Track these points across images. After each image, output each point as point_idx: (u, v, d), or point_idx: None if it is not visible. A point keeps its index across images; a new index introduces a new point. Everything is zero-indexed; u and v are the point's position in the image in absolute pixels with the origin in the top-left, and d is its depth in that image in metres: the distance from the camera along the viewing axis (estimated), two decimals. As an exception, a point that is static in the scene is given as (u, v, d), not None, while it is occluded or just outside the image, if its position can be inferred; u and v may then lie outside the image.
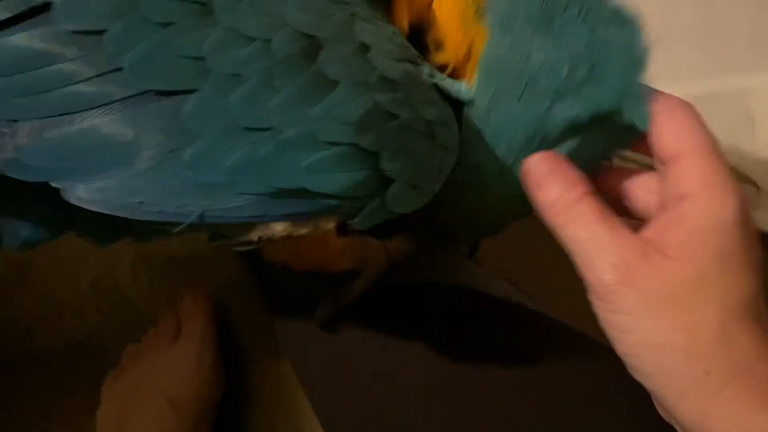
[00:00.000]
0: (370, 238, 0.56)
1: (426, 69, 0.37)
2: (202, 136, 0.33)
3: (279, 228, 0.37)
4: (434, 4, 0.39)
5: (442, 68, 0.39)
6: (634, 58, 0.36)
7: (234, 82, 0.33)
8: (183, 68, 0.33)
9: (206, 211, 0.34)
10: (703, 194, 0.31)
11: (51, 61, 0.33)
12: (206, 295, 0.73)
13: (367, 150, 0.34)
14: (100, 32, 0.33)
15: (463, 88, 0.38)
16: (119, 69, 0.32)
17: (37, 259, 0.79)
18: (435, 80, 0.37)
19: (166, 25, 0.33)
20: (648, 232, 0.32)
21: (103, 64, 0.33)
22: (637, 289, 0.31)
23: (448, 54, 0.39)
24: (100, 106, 0.33)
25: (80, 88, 0.33)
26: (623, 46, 0.36)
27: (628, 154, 0.39)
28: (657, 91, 0.35)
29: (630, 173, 0.37)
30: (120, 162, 0.33)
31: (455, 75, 0.39)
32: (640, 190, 0.36)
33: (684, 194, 0.31)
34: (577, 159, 0.37)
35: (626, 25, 0.36)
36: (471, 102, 0.38)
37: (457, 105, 0.39)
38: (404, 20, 0.39)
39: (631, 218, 0.36)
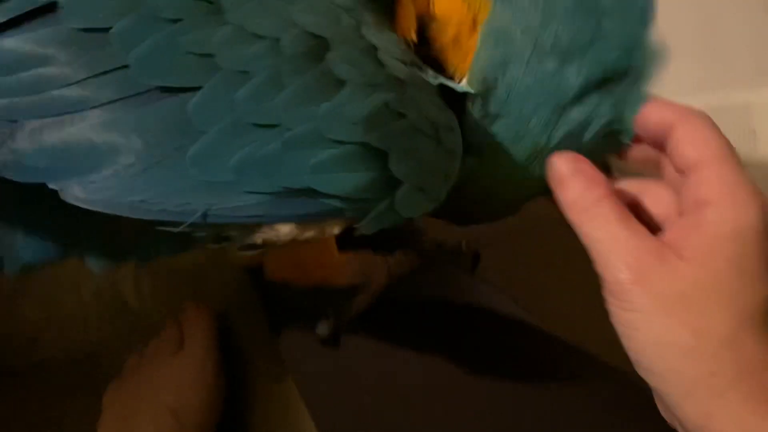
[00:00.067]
0: (371, 253, 0.56)
1: (430, 72, 0.38)
2: (207, 132, 0.32)
3: (284, 230, 0.36)
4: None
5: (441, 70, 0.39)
6: (638, 12, 0.37)
7: (241, 78, 0.33)
8: (190, 65, 0.33)
9: (210, 210, 0.33)
10: (725, 201, 0.31)
11: (52, 60, 0.33)
12: (209, 306, 0.73)
13: (375, 150, 0.34)
14: (106, 30, 0.32)
15: (466, 85, 0.38)
16: (124, 66, 0.32)
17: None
18: (439, 80, 0.37)
19: (174, 21, 0.33)
20: (665, 236, 0.33)
21: (106, 61, 0.32)
22: (651, 288, 0.31)
23: (452, 29, 0.39)
24: (102, 104, 0.32)
25: (81, 86, 0.32)
26: (625, 2, 0.37)
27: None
28: (673, 102, 0.36)
29: (639, 185, 0.37)
30: (121, 160, 0.32)
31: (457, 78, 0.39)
32: (651, 200, 0.36)
33: (705, 200, 0.32)
34: (587, 133, 0.37)
35: None
36: (475, 95, 0.38)
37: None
38: (411, 29, 0.40)
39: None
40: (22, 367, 0.77)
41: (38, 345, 0.77)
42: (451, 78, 0.39)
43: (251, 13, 0.33)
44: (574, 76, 0.36)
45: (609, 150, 0.39)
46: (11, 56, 0.33)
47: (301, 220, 0.36)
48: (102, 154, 0.32)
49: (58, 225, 0.40)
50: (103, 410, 0.69)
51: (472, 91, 0.38)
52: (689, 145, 0.33)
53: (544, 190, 0.38)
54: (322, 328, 0.54)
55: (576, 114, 0.37)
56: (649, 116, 0.35)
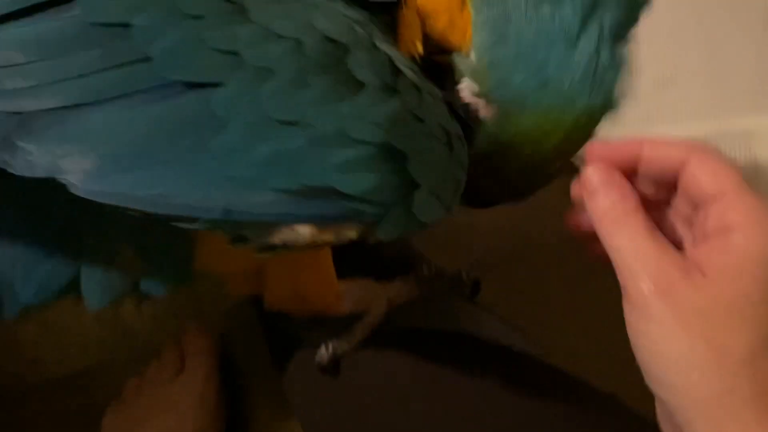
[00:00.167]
0: (370, 281, 0.56)
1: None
2: (231, 126, 0.33)
3: (303, 231, 0.36)
4: None
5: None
6: None
7: (266, 74, 0.33)
8: (214, 61, 0.33)
9: (231, 206, 0.33)
10: (752, 226, 0.32)
11: (68, 51, 0.32)
12: (209, 329, 0.73)
13: (396, 151, 0.34)
14: (125, 24, 0.33)
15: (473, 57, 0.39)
16: (146, 60, 0.32)
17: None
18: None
19: (199, 17, 0.33)
20: (693, 256, 0.33)
21: (127, 54, 0.33)
22: (674, 302, 0.32)
23: (444, 15, 0.40)
24: (121, 97, 0.32)
25: (100, 78, 0.32)
26: None
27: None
28: (680, 140, 0.36)
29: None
30: (141, 153, 0.32)
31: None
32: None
33: (731, 225, 0.33)
34: (603, 56, 0.38)
35: None
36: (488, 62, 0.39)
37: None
38: (417, 41, 0.41)
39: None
40: (22, 389, 0.77)
41: (38, 366, 0.77)
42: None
43: (273, 14, 0.34)
44: (571, 13, 0.37)
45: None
46: (24, 45, 0.32)
47: (321, 221, 0.36)
48: (120, 147, 0.32)
49: (57, 260, 0.41)
50: (102, 431, 0.69)
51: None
52: (707, 176, 0.34)
53: (572, 145, 0.39)
54: (322, 357, 0.54)
55: (585, 44, 0.38)
56: (658, 156, 0.36)
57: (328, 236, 0.37)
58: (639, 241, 0.33)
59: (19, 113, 0.32)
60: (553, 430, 0.47)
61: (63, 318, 0.77)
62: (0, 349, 0.77)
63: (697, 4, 0.84)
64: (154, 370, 0.72)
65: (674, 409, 0.33)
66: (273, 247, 0.38)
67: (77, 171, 0.32)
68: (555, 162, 0.40)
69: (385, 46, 0.36)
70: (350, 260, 0.54)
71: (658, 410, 0.35)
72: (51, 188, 0.40)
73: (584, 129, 0.39)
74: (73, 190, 0.32)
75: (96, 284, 0.42)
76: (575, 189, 0.38)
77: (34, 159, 0.32)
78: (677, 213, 0.36)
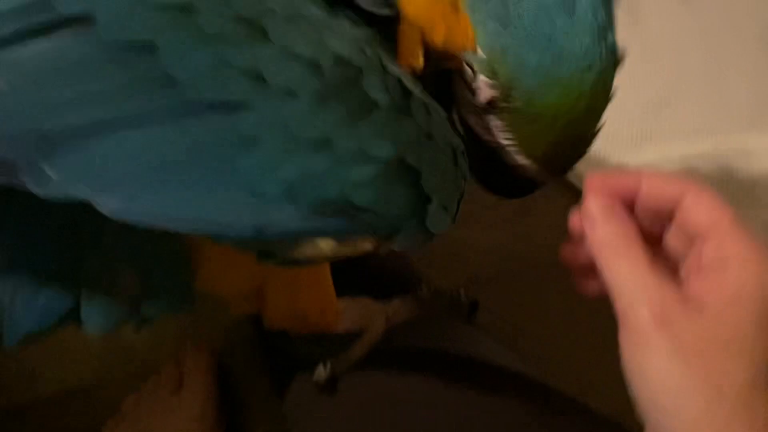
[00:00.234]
0: (369, 300, 0.57)
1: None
2: (259, 146, 0.33)
3: (325, 246, 0.38)
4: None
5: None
6: None
7: (290, 95, 0.34)
8: (239, 82, 0.34)
9: (261, 224, 0.34)
10: (747, 260, 0.33)
11: (87, 73, 0.33)
12: (208, 346, 0.73)
13: (410, 168, 0.36)
14: (148, 45, 0.33)
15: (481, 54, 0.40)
16: (173, 81, 0.33)
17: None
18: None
19: (222, 39, 0.34)
20: (689, 289, 0.34)
21: (151, 76, 0.33)
22: (673, 334, 0.32)
23: (440, 28, 0.41)
24: (149, 118, 0.33)
25: (124, 100, 0.33)
26: None
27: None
28: (676, 176, 0.37)
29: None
30: (168, 174, 0.33)
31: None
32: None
33: (726, 259, 0.33)
34: None
35: None
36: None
37: None
38: (419, 56, 0.41)
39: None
40: (21, 404, 0.77)
41: (37, 382, 0.77)
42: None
43: (291, 36, 0.35)
44: None
45: None
46: (40, 65, 0.33)
47: (342, 236, 0.37)
48: (148, 168, 0.33)
49: (57, 288, 0.41)
50: (100, 447, 0.69)
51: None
52: (702, 212, 0.35)
53: (599, 103, 0.40)
54: (320, 375, 0.54)
55: (581, 9, 0.39)
56: (655, 190, 0.36)
57: (347, 249, 0.39)
58: (639, 272, 0.34)
59: (45, 136, 0.32)
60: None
61: (62, 335, 0.77)
62: (-1, 366, 0.77)
63: (695, 22, 0.84)
64: (153, 387, 0.72)
65: None
66: (296, 261, 0.39)
67: (107, 194, 0.33)
68: (590, 125, 0.41)
69: (391, 66, 0.38)
70: (349, 279, 0.54)
71: None
72: (50, 214, 0.40)
73: (605, 85, 0.40)
74: (102, 211, 0.32)
75: (96, 311, 0.42)
76: (574, 220, 0.38)
77: (60, 183, 0.32)
78: (672, 246, 0.37)
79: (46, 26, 0.33)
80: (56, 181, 0.32)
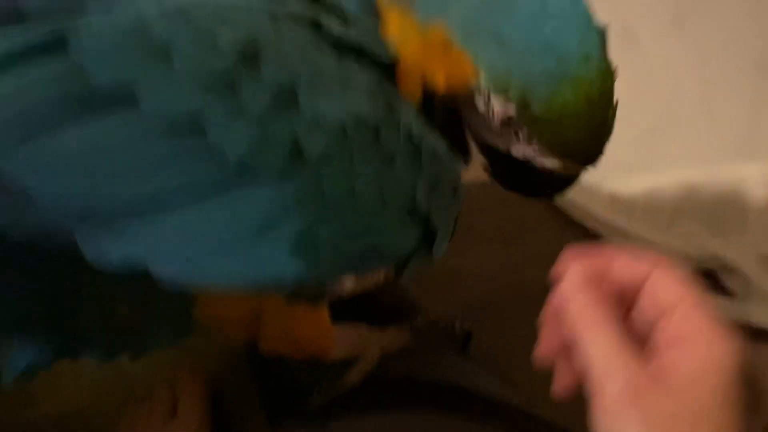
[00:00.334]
0: (365, 327, 0.57)
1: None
2: (301, 214, 0.36)
3: (348, 283, 0.44)
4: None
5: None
6: None
7: (324, 162, 0.36)
8: (281, 154, 0.36)
9: (301, 278, 0.37)
10: (708, 337, 0.34)
11: (145, 147, 0.34)
12: (202, 373, 0.73)
13: (422, 209, 0.40)
14: (197, 121, 0.34)
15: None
16: (223, 157, 0.35)
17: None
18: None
19: (262, 113, 0.35)
20: (657, 363, 0.35)
21: (203, 152, 0.35)
22: (644, 408, 0.33)
23: (441, 69, 0.43)
24: (201, 193, 0.35)
25: (179, 175, 0.34)
26: None
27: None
28: (643, 256, 0.38)
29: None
30: (222, 245, 0.35)
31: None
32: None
33: (688, 337, 0.34)
34: None
35: None
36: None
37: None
38: (416, 91, 0.43)
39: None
40: (16, 426, 0.76)
41: (32, 405, 0.77)
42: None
43: (319, 102, 0.37)
44: None
45: None
46: (89, 149, 0.34)
47: (362, 273, 0.43)
48: (201, 238, 0.35)
49: (54, 324, 0.41)
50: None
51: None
52: (668, 288, 0.36)
53: (611, 81, 0.41)
54: (314, 401, 0.55)
55: (555, 2, 0.41)
56: (625, 268, 0.37)
57: (365, 282, 0.45)
58: (612, 346, 0.35)
59: (101, 213, 0.34)
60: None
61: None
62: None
63: (689, 48, 0.85)
64: (147, 413, 0.71)
65: None
66: (321, 297, 0.44)
67: (162, 262, 0.35)
68: (607, 106, 0.42)
69: (400, 109, 0.41)
70: (345, 306, 0.55)
71: None
72: (50, 254, 0.41)
73: (606, 63, 0.41)
74: (157, 276, 0.35)
75: (94, 345, 0.42)
76: (548, 309, 0.39)
77: (117, 254, 0.35)
78: (640, 320, 0.38)
79: (89, 108, 0.34)
80: (114, 252, 0.34)
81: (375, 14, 0.43)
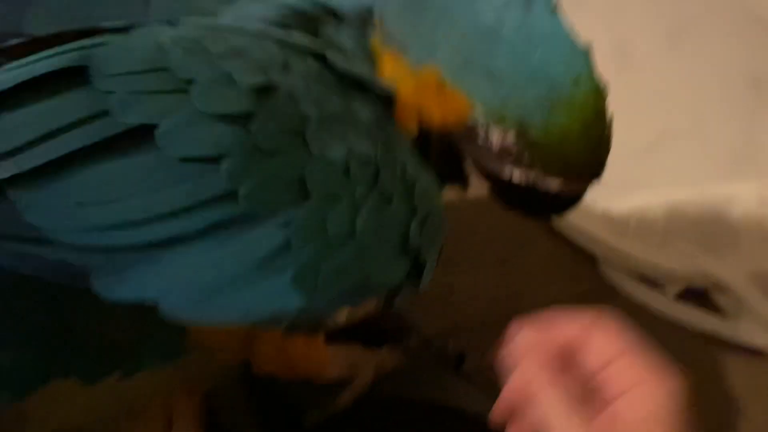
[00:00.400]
0: (359, 348, 0.57)
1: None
2: (305, 251, 0.37)
3: (341, 315, 0.45)
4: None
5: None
6: None
7: (328, 203, 0.38)
8: (290, 195, 0.37)
9: (301, 311, 0.39)
10: (648, 386, 0.36)
11: (159, 185, 0.35)
12: (197, 389, 0.73)
13: (415, 246, 0.41)
14: (214, 160, 0.35)
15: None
16: (235, 197, 0.36)
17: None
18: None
19: (275, 154, 0.37)
20: (603, 418, 0.36)
21: (217, 190, 0.36)
22: None
23: (437, 112, 0.44)
24: (209, 232, 0.36)
25: (190, 213, 0.35)
26: None
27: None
28: (579, 313, 0.40)
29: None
30: (227, 283, 0.36)
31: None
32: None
33: (630, 387, 0.36)
34: None
35: None
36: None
37: None
38: (413, 126, 0.45)
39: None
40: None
41: (26, 422, 0.77)
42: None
43: (326, 143, 0.38)
44: (514, 19, 0.42)
45: None
46: (105, 182, 0.35)
47: (355, 305, 0.43)
48: (211, 276, 0.36)
49: (47, 347, 0.41)
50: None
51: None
52: (605, 344, 0.38)
53: (604, 95, 0.43)
54: (308, 420, 0.55)
55: (539, 31, 0.42)
56: (568, 329, 0.39)
57: (358, 312, 0.46)
58: (561, 405, 0.36)
59: (112, 248, 0.35)
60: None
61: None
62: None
63: (683, 67, 0.86)
64: (142, 429, 0.71)
65: None
66: (317, 330, 0.46)
67: (171, 299, 0.36)
68: (604, 121, 0.43)
69: (399, 147, 0.42)
70: (339, 327, 0.55)
71: None
72: (43, 281, 0.41)
73: (595, 77, 0.43)
74: (165, 313, 0.36)
75: (86, 366, 0.42)
76: (502, 360, 0.40)
77: (127, 290, 0.36)
78: (586, 377, 0.39)
79: (107, 141, 0.35)
80: (124, 289, 0.36)
81: (370, 56, 0.44)
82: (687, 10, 0.88)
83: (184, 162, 0.35)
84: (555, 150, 0.42)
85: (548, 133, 0.41)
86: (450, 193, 0.49)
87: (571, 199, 0.46)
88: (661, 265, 0.70)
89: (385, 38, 0.44)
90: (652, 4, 0.89)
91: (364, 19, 0.44)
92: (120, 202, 0.35)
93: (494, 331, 0.78)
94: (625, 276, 0.71)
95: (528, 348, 0.38)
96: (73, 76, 0.35)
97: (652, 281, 0.71)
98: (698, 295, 0.71)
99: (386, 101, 0.43)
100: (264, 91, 0.37)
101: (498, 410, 0.39)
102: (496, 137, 0.42)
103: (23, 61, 0.36)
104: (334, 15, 0.45)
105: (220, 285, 0.36)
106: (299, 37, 0.42)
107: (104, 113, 0.34)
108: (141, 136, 0.35)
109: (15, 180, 0.33)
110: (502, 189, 0.46)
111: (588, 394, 0.38)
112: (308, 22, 0.43)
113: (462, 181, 0.47)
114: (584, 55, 0.43)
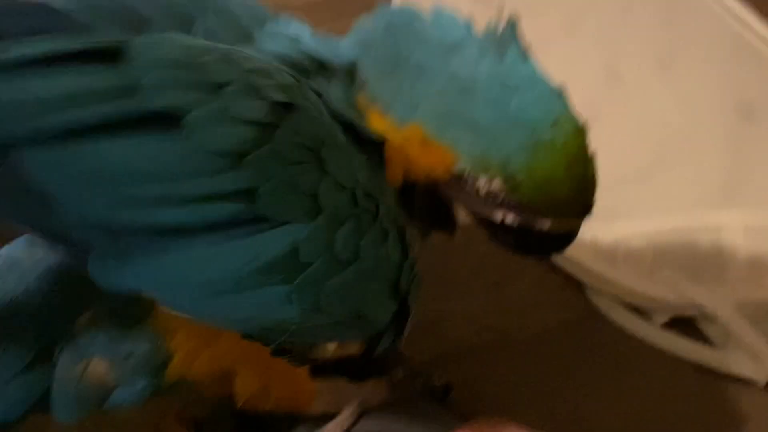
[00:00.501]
0: (344, 381, 0.57)
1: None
2: (311, 265, 0.38)
3: (330, 347, 0.46)
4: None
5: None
6: None
7: (336, 221, 0.39)
8: (302, 204, 0.38)
9: (297, 330, 0.39)
10: None
11: (181, 172, 0.35)
12: (188, 416, 0.72)
13: (403, 286, 0.43)
14: (236, 157, 0.36)
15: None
16: (252, 196, 0.36)
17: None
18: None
19: (294, 164, 0.38)
20: None
21: (235, 187, 0.36)
22: None
23: (423, 165, 0.45)
24: (221, 228, 0.36)
25: (207, 207, 0.36)
26: None
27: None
28: (485, 422, 0.41)
29: None
30: (233, 282, 0.37)
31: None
32: None
33: None
34: None
35: None
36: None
37: None
38: (398, 179, 0.46)
39: None
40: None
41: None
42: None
43: (338, 166, 0.40)
44: (488, 67, 0.44)
45: None
46: (122, 159, 0.35)
47: (345, 340, 0.45)
48: (214, 277, 0.36)
49: (27, 379, 0.41)
50: None
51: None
52: None
53: (585, 136, 0.45)
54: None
55: (516, 76, 0.44)
56: None
57: (344, 350, 0.47)
58: None
59: (118, 230, 0.35)
60: None
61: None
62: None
63: (673, 96, 0.86)
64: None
65: None
66: (305, 358, 0.46)
67: (164, 292, 0.37)
68: (587, 157, 0.45)
69: (388, 193, 0.44)
70: (324, 360, 0.55)
71: None
72: (21, 305, 0.41)
73: (574, 117, 0.44)
74: (159, 303, 0.37)
75: (66, 401, 0.42)
76: None
77: (119, 275, 0.36)
78: None
79: (133, 118, 0.35)
80: (125, 276, 0.36)
81: (358, 111, 0.46)
82: (677, 35, 0.89)
83: (206, 153, 0.35)
84: (542, 192, 0.43)
85: (533, 177, 0.42)
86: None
87: (565, 237, 0.47)
88: (649, 294, 0.70)
89: (370, 98, 0.46)
90: (643, 30, 0.90)
91: (350, 73, 0.46)
92: (135, 179, 0.34)
93: (483, 357, 0.78)
94: (614, 304, 0.71)
95: None
96: (106, 58, 0.35)
97: (640, 310, 0.71)
98: (686, 324, 0.71)
99: (376, 149, 0.44)
100: (287, 107, 0.38)
101: None
102: (482, 184, 0.43)
103: (58, 37, 0.37)
104: (323, 66, 0.46)
105: (223, 283, 0.36)
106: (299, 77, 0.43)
107: (133, 92, 0.35)
108: (167, 121, 0.35)
109: (33, 142, 0.34)
110: (496, 232, 0.47)
111: None
112: (299, 72, 0.44)
113: (449, 228, 0.48)
114: (560, 97, 0.44)
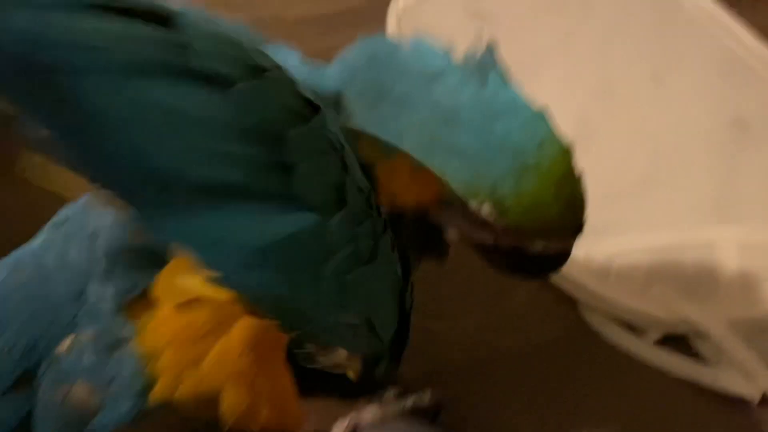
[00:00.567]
0: (334, 401, 0.56)
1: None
2: (337, 253, 0.40)
3: (341, 354, 0.46)
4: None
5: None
6: None
7: (359, 220, 0.41)
8: (330, 193, 0.39)
9: (316, 320, 0.41)
10: None
11: (220, 133, 0.36)
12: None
13: (406, 309, 0.45)
14: (280, 135, 0.37)
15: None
16: (291, 174, 0.37)
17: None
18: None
19: (326, 155, 0.40)
20: None
21: (277, 163, 0.37)
22: None
23: (411, 194, 0.46)
24: (260, 201, 0.37)
25: (249, 177, 0.36)
26: None
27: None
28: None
29: None
30: (267, 257, 0.37)
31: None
32: None
33: None
34: None
35: None
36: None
37: None
38: (387, 206, 0.46)
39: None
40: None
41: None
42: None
43: (354, 169, 0.42)
44: (470, 94, 0.44)
45: None
46: (168, 106, 0.35)
47: (350, 348, 0.45)
48: (250, 248, 0.37)
49: (7, 404, 0.41)
50: None
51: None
52: None
53: (571, 154, 0.45)
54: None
55: (499, 101, 0.45)
56: None
57: (349, 363, 0.47)
58: None
59: (157, 176, 0.35)
60: None
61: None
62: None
63: (666, 112, 0.87)
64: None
65: None
66: (317, 361, 0.47)
67: (201, 253, 0.37)
68: (575, 176, 0.45)
69: (383, 231, 0.44)
70: (314, 380, 0.54)
71: None
72: (5, 327, 0.40)
73: (559, 137, 0.44)
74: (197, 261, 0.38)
75: (48, 424, 0.42)
76: None
77: (165, 231, 0.37)
78: None
79: (183, 70, 0.35)
80: (166, 226, 0.36)
81: (348, 140, 0.45)
82: (671, 52, 0.89)
83: (255, 118, 0.36)
84: (531, 216, 0.43)
85: (522, 201, 0.43)
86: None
87: (558, 258, 0.48)
88: (642, 311, 0.70)
89: (356, 128, 0.46)
90: (637, 46, 0.90)
91: (337, 103, 0.46)
92: (183, 120, 0.34)
93: (476, 375, 0.78)
94: (606, 321, 0.71)
95: None
96: (156, 20, 0.36)
97: (632, 326, 0.71)
98: (679, 342, 0.71)
99: (367, 176, 0.44)
100: (316, 109, 0.40)
101: None
102: (472, 210, 0.43)
103: None
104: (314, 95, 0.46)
105: (253, 255, 0.37)
106: None
107: (185, 50, 0.35)
108: (220, 82, 0.35)
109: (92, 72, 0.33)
110: (489, 256, 0.48)
111: None
112: None
113: (440, 254, 0.48)
114: (544, 119, 0.44)
